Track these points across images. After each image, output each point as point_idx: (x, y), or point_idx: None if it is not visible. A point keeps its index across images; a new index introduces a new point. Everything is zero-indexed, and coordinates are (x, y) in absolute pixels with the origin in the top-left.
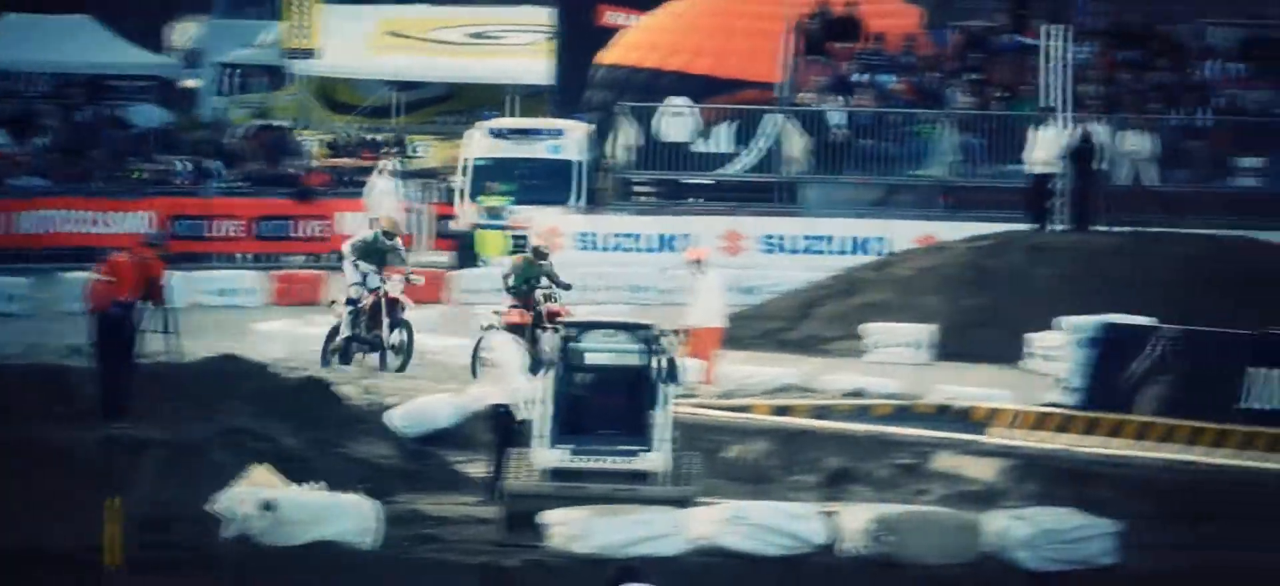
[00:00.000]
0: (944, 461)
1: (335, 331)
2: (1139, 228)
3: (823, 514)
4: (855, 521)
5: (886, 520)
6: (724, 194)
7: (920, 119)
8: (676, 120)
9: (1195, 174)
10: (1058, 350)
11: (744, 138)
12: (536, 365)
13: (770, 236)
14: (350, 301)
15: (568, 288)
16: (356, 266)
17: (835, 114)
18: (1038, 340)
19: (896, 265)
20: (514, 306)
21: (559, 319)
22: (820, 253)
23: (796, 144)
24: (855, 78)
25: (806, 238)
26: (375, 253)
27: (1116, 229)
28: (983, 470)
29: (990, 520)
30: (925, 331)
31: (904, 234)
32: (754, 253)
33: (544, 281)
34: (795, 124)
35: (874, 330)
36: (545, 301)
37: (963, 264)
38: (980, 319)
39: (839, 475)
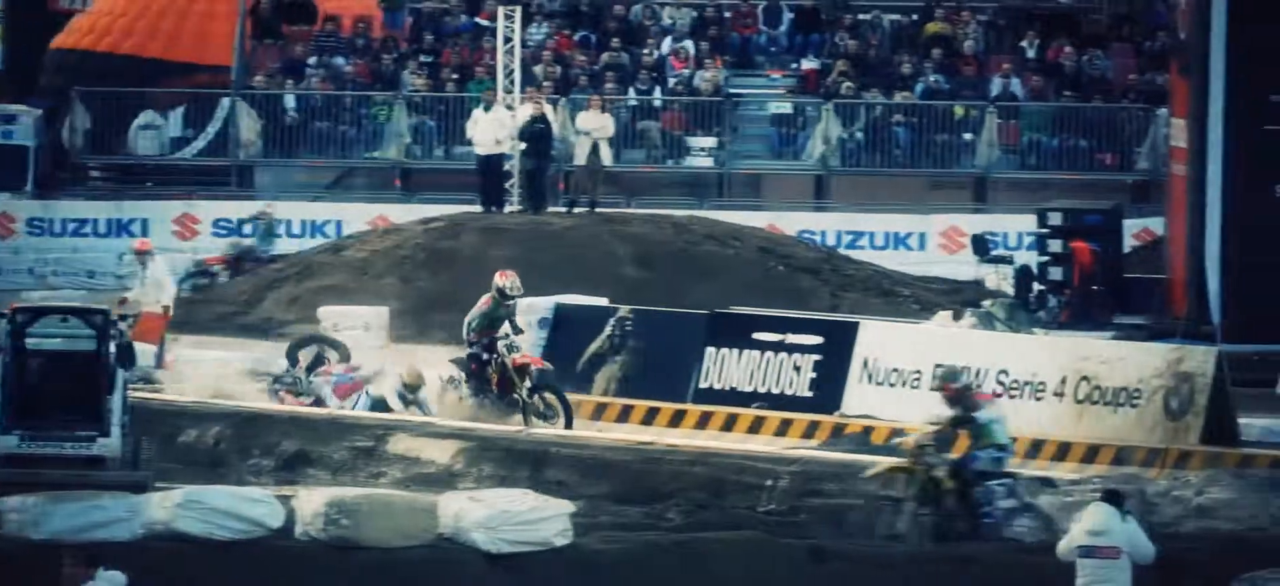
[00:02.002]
0: (401, 444)
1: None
2: (594, 208)
3: (279, 498)
4: (311, 505)
5: (342, 503)
6: (178, 178)
7: (374, 101)
8: (148, 135)
9: (650, 154)
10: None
11: (197, 121)
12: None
13: (225, 219)
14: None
15: (520, 332)
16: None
17: (289, 96)
18: None
19: (351, 248)
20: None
21: (527, 369)
22: (275, 236)
23: (250, 127)
24: (310, 60)
25: (261, 221)
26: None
27: (572, 209)
28: (439, 452)
29: (446, 502)
30: (380, 313)
31: (359, 216)
32: (207, 236)
33: (504, 328)
34: (248, 107)
35: (330, 312)
36: (509, 353)
37: (417, 246)
38: (435, 301)
39: (296, 458)
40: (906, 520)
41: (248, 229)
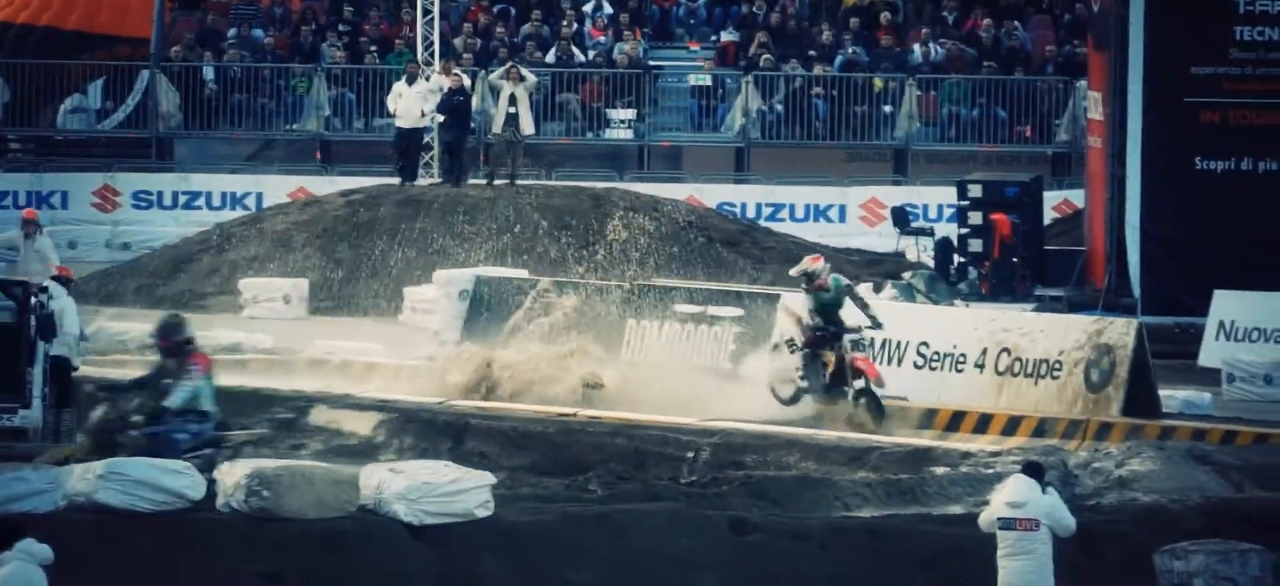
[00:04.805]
0: (321, 416)
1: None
2: (514, 180)
3: (199, 469)
4: (232, 477)
5: (263, 475)
6: (98, 150)
7: (293, 74)
8: (78, 117)
9: (569, 126)
10: (433, 303)
11: (117, 94)
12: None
13: (144, 192)
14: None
15: (880, 326)
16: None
17: (208, 69)
18: (413, 293)
19: (271, 220)
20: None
21: (862, 373)
22: (195, 208)
23: (169, 99)
24: (228, 32)
25: (180, 193)
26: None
27: (492, 182)
28: (360, 424)
29: (367, 474)
30: (300, 285)
31: (278, 188)
32: (128, 208)
33: (857, 318)
34: (167, 79)
35: (250, 285)
36: (852, 349)
37: (337, 218)
38: (355, 273)
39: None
40: None
41: None
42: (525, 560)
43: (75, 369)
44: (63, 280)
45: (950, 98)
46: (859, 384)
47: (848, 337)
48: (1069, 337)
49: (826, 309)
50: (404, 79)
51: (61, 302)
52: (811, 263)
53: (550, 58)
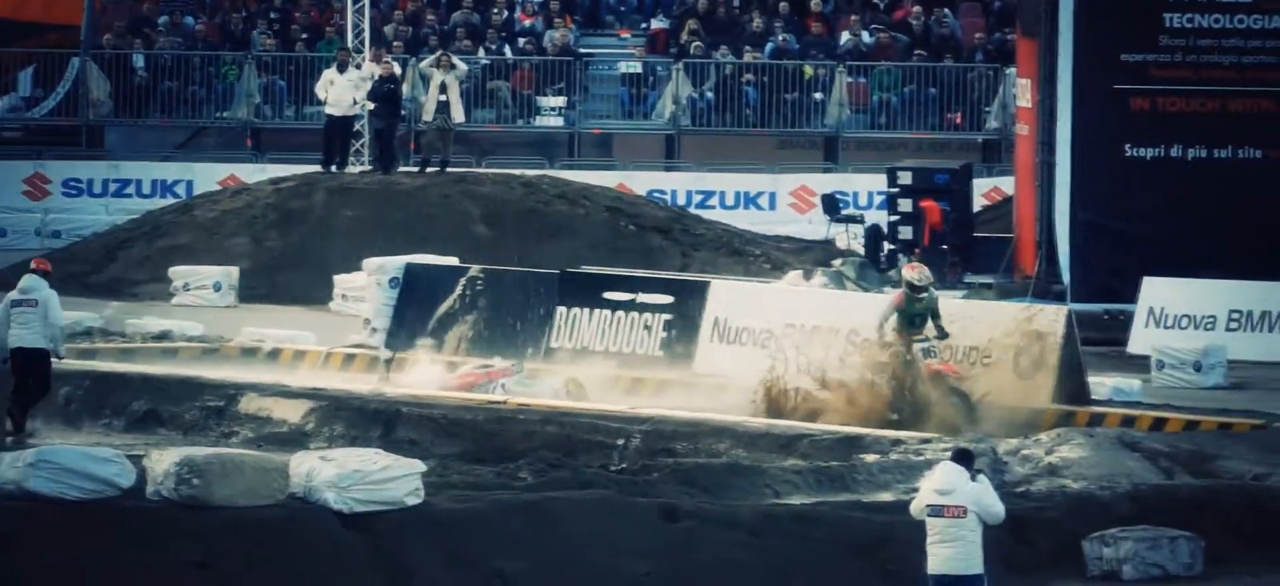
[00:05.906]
0: (252, 403)
1: None
2: (445, 168)
3: (130, 457)
4: (162, 464)
5: (192, 462)
6: (28, 138)
7: (224, 61)
8: (16, 117)
9: (500, 113)
10: (363, 290)
11: (47, 81)
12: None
13: (75, 180)
14: None
15: (947, 336)
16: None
17: (138, 56)
18: (343, 281)
19: (201, 208)
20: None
21: (941, 377)
22: (126, 196)
23: (99, 87)
24: (159, 20)
25: (111, 181)
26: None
27: (423, 169)
28: (290, 412)
29: (298, 462)
30: (230, 273)
31: (209, 176)
32: (58, 196)
33: (928, 328)
34: (97, 67)
35: (180, 273)
36: (924, 358)
37: (268, 206)
38: (286, 261)
39: (147, 418)
40: None
41: None
42: (456, 548)
43: (60, 358)
44: (42, 273)
45: (880, 85)
46: (939, 390)
47: (918, 347)
48: (999, 325)
49: (914, 320)
50: (335, 67)
51: (44, 294)
52: (918, 271)
53: (480, 47)
